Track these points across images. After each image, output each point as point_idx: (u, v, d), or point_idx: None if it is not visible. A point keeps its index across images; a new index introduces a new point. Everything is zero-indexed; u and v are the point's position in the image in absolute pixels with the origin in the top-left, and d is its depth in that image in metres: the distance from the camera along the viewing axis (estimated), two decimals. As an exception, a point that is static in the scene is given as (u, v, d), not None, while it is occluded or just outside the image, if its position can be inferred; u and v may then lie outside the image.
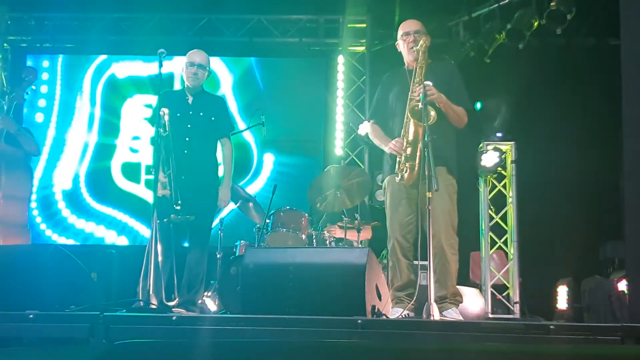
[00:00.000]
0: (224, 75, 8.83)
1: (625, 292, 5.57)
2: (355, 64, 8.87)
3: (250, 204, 6.60)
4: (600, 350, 2.97)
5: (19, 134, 5.74)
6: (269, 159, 8.62)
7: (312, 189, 6.35)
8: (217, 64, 8.82)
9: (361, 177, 6.41)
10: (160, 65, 5.09)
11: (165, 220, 4.79)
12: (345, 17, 8.68)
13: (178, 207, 4.79)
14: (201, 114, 5.38)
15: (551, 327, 3.21)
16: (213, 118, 5.42)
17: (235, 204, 6.60)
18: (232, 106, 8.62)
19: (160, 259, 4.83)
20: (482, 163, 7.52)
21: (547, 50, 8.08)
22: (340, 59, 8.79)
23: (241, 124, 7.97)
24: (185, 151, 5.14)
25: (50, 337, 3.49)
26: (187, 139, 5.21)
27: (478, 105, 7.82)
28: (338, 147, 8.65)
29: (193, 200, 5.06)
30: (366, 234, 6.78)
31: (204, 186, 5.33)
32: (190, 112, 5.36)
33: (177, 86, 7.99)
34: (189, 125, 5.26)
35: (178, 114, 4.98)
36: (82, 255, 4.43)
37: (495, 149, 7.52)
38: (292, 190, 7.87)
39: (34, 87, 6.09)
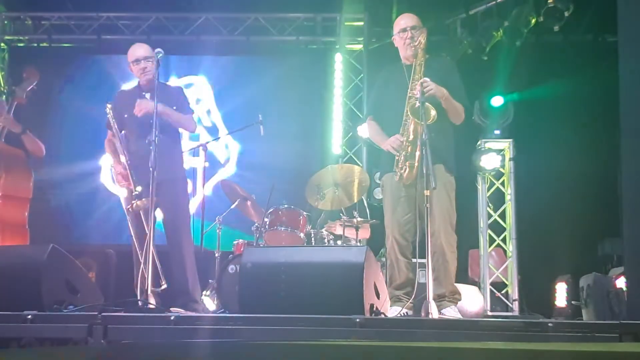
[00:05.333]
0: (220, 74, 8.83)
1: (624, 288, 5.57)
2: (353, 62, 8.86)
3: (248, 203, 6.58)
4: (598, 347, 2.97)
5: (24, 134, 5.71)
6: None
7: (310, 187, 6.34)
8: (214, 63, 8.84)
9: (359, 175, 6.39)
10: (158, 65, 5.08)
11: (128, 208, 4.75)
12: (343, 15, 8.69)
13: (137, 191, 4.77)
14: None
15: (549, 324, 3.20)
16: (174, 107, 5.31)
17: (233, 202, 6.58)
18: (228, 106, 8.64)
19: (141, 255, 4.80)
20: (482, 164, 7.53)
21: (545, 48, 8.08)
22: (338, 57, 8.79)
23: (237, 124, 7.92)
24: (151, 147, 5.09)
25: (48, 338, 3.49)
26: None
27: (501, 100, 7.79)
28: (336, 145, 8.65)
29: (164, 197, 5.03)
30: (365, 232, 6.77)
31: (172, 180, 5.25)
32: None
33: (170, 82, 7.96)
34: (151, 121, 5.05)
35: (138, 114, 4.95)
36: (80, 255, 4.43)
37: (495, 151, 7.54)
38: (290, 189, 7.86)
39: (34, 88, 6.05)
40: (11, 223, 5.56)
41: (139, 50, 5.31)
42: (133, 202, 4.84)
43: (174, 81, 8.37)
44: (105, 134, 5.41)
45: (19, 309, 3.48)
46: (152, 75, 5.25)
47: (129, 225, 5.05)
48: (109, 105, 5.15)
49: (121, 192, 5.27)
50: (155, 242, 4.65)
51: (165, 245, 5.25)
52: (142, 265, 4.65)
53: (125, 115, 5.20)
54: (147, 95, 5.28)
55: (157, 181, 4.88)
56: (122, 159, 5.10)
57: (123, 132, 5.23)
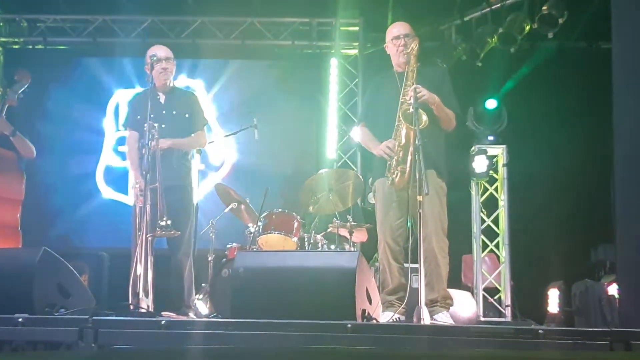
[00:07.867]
0: (216, 78, 8.83)
1: (616, 295, 5.59)
2: (348, 66, 8.87)
3: (242, 207, 6.58)
4: (588, 356, 2.97)
5: (14, 136, 5.70)
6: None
7: (305, 191, 6.33)
8: (209, 67, 8.84)
9: (354, 180, 6.39)
10: (152, 69, 5.08)
11: (148, 236, 4.67)
12: (338, 20, 8.68)
13: (163, 223, 4.71)
14: (174, 112, 5.31)
15: (540, 331, 3.21)
16: (187, 115, 5.34)
17: (227, 206, 6.57)
18: (223, 110, 8.64)
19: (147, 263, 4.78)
20: (473, 168, 7.55)
21: (539, 54, 8.10)
22: (333, 61, 8.79)
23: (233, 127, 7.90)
24: (160, 152, 5.09)
25: (39, 341, 3.47)
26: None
27: (495, 103, 7.80)
28: (331, 149, 8.65)
29: (169, 204, 5.02)
30: (362, 236, 6.77)
31: (180, 187, 5.29)
32: (164, 112, 5.26)
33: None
34: (163, 126, 5.07)
35: (152, 115, 4.89)
36: (73, 258, 4.41)
37: (484, 155, 7.54)
38: (284, 193, 7.86)
39: (26, 90, 6.05)
40: (3, 225, 5.56)
41: (160, 50, 5.36)
42: (157, 230, 4.77)
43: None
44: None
45: (10, 312, 3.48)
46: (168, 77, 5.33)
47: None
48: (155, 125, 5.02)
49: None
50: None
51: (164, 249, 5.25)
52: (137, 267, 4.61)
53: (138, 117, 5.20)
54: (162, 98, 5.29)
55: (164, 186, 4.89)
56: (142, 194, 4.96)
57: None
